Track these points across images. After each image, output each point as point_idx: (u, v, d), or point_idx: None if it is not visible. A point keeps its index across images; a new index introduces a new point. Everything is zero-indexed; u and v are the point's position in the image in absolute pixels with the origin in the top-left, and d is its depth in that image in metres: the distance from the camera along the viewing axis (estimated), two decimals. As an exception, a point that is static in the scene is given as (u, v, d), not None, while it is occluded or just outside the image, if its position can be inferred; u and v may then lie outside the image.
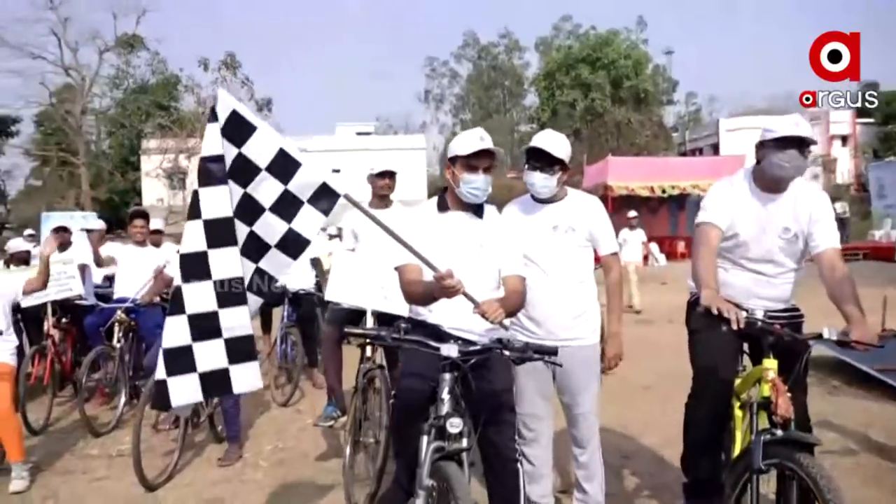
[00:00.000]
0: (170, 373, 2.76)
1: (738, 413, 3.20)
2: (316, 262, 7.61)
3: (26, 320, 7.23)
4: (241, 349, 2.80)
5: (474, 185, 2.99)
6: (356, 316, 4.48)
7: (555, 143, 3.31)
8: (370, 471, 4.09)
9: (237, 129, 2.74)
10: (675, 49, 56.88)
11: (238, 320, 2.78)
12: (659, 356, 7.29)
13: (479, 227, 3.08)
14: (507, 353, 2.78)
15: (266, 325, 7.95)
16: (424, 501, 2.59)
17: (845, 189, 33.22)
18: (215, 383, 2.80)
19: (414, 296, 3.01)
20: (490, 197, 3.13)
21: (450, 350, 2.67)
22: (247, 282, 2.84)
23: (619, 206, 24.58)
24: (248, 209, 2.81)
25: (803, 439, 2.74)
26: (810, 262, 3.25)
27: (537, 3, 71.53)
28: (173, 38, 66.89)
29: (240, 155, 2.75)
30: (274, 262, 2.89)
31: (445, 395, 2.69)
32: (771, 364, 2.84)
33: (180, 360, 2.75)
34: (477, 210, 3.10)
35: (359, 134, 42.83)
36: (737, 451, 3.11)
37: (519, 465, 3.02)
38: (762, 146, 3.11)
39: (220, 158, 2.72)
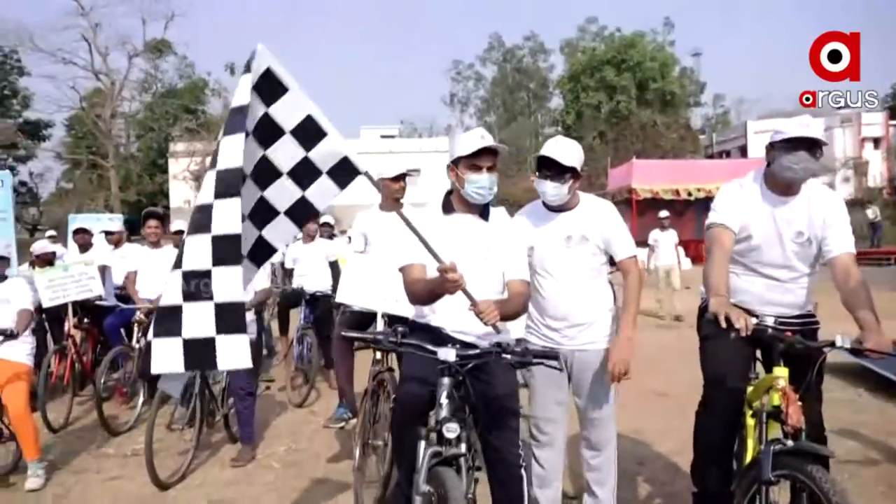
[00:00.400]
0: (156, 334, 2.65)
1: (750, 422, 3.10)
2: (334, 265, 7.63)
3: (50, 320, 7.37)
4: (230, 318, 2.62)
5: (479, 184, 2.96)
6: (367, 318, 4.47)
7: (565, 151, 3.23)
8: (380, 473, 4.08)
9: (269, 88, 2.69)
10: (705, 50, 56.33)
11: (230, 282, 2.61)
12: (679, 362, 7.14)
13: (483, 230, 3.05)
14: (506, 356, 2.74)
15: (283, 327, 8.00)
16: (422, 507, 2.56)
17: (877, 192, 32.56)
18: (199, 353, 2.63)
19: (417, 294, 2.99)
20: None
21: (447, 354, 2.64)
22: (246, 249, 2.76)
23: (644, 209, 24.48)
24: (264, 172, 2.76)
25: (815, 450, 2.64)
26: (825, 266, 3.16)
27: (563, 6, 71.31)
28: (201, 42, 67.78)
29: (266, 115, 2.71)
30: (278, 229, 2.85)
31: (444, 400, 2.66)
32: (781, 372, 2.76)
33: (167, 321, 2.63)
34: (482, 212, 3.07)
35: (383, 137, 42.94)
36: (748, 460, 3.04)
37: (522, 470, 2.98)
38: (772, 148, 3.03)
39: (244, 109, 2.64)
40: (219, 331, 2.61)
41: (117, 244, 8.10)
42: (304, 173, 2.77)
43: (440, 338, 2.92)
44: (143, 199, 36.91)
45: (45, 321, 7.52)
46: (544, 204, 3.40)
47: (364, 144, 39.66)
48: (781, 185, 3.07)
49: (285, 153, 2.75)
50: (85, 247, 8.13)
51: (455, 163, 3.01)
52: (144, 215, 6.94)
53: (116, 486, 4.66)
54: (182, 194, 35.47)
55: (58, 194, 40.22)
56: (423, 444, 2.66)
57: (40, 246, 8.21)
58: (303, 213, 2.86)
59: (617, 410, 3.52)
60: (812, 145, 2.93)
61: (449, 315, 2.96)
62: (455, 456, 2.63)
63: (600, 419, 3.43)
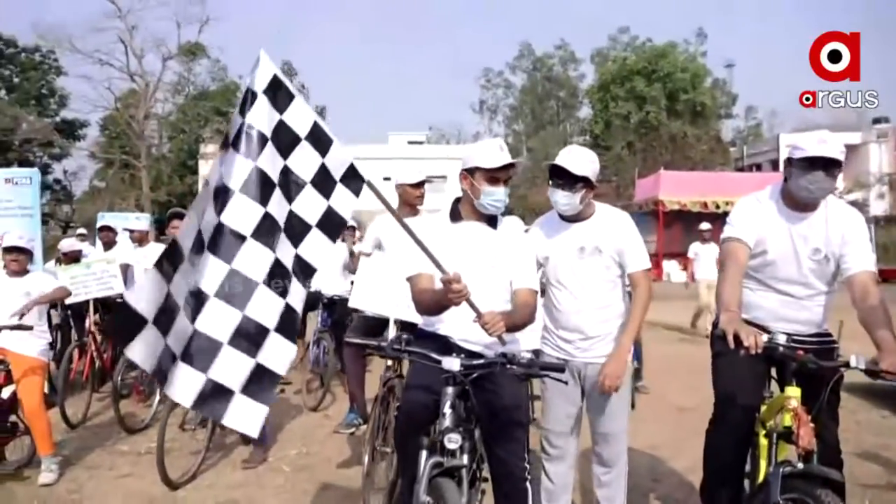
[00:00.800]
0: (183, 357, 2.52)
1: (762, 441, 3.03)
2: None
3: (73, 316, 7.48)
4: (262, 384, 2.56)
5: (495, 196, 2.94)
6: (380, 324, 4.46)
7: (577, 160, 3.18)
8: (388, 480, 4.06)
9: (278, 95, 2.65)
10: (738, 62, 55.64)
11: (282, 355, 2.59)
12: (699, 377, 7.02)
13: (491, 238, 3.02)
14: (512, 367, 2.70)
15: (300, 330, 8.02)
16: (422, 519, 2.53)
17: (914, 209, 31.81)
18: (212, 399, 2.54)
19: (424, 304, 2.97)
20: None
21: (451, 364, 2.62)
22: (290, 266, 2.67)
23: (671, 221, 24.23)
24: (287, 184, 2.67)
25: (825, 474, 2.55)
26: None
27: (595, 15, 71.05)
28: (233, 45, 68.69)
29: (281, 122, 2.65)
30: (314, 245, 2.74)
31: (447, 410, 2.63)
32: (793, 392, 2.70)
33: (202, 355, 2.51)
34: (490, 221, 3.04)
35: (410, 143, 43.06)
36: (759, 481, 2.96)
37: (528, 483, 2.94)
38: (789, 164, 2.95)
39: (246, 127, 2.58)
40: (244, 391, 2.56)
41: (141, 242, 8.20)
42: (324, 181, 2.73)
43: (446, 346, 2.89)
44: (174, 200, 37.40)
45: (70, 317, 7.66)
46: (559, 214, 3.36)
47: (391, 150, 39.91)
48: (798, 202, 3.00)
49: (304, 161, 2.70)
50: (109, 244, 8.25)
51: (470, 171, 2.98)
52: (169, 215, 6.98)
53: (127, 484, 4.70)
54: (211, 195, 35.86)
55: (90, 193, 40.96)
56: (424, 453, 2.63)
57: (68, 244, 8.36)
58: (332, 225, 2.76)
59: (634, 425, 3.45)
60: (829, 164, 2.85)
61: (456, 324, 2.93)
62: (456, 467, 2.59)
63: (612, 434, 3.36)
